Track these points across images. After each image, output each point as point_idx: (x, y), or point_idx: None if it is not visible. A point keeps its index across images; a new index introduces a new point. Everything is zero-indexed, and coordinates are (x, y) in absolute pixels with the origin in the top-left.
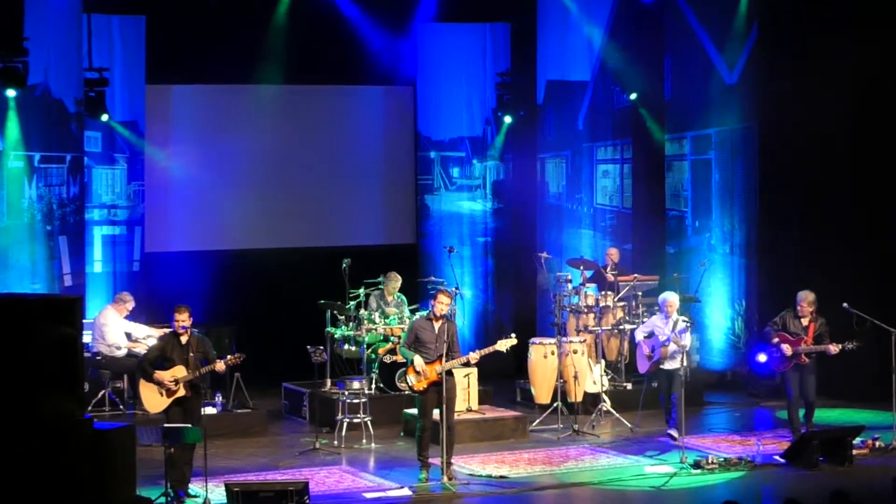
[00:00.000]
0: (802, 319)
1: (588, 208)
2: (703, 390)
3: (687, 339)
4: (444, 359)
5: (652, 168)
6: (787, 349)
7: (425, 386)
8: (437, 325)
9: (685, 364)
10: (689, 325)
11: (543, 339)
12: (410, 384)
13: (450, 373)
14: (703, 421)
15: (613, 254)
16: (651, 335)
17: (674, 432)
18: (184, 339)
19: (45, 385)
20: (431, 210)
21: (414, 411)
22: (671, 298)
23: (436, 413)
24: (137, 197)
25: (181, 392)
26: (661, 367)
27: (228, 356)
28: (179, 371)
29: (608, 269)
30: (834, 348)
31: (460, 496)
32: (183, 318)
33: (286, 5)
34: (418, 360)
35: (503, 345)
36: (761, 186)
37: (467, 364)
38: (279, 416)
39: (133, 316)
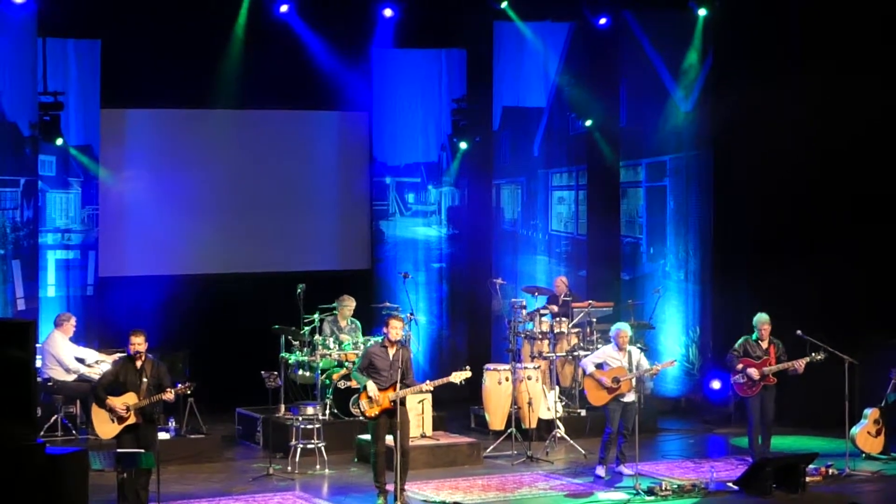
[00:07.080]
0: (762, 343)
1: (543, 234)
2: (657, 417)
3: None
4: (398, 385)
5: (607, 195)
6: (754, 372)
7: (377, 412)
8: (391, 351)
9: (640, 398)
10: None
11: (498, 365)
12: (362, 410)
13: (402, 400)
14: (656, 447)
15: (559, 283)
16: (602, 366)
17: (627, 469)
18: (139, 363)
19: None
20: (386, 235)
21: (368, 437)
22: (624, 330)
23: (389, 439)
24: (91, 221)
25: (132, 419)
26: (620, 399)
27: (179, 385)
28: (131, 398)
29: (560, 297)
30: (801, 364)
31: None
32: (139, 342)
33: (242, 29)
34: (371, 386)
35: (457, 376)
36: (716, 213)
37: (420, 392)
38: (233, 442)
39: (86, 341)
